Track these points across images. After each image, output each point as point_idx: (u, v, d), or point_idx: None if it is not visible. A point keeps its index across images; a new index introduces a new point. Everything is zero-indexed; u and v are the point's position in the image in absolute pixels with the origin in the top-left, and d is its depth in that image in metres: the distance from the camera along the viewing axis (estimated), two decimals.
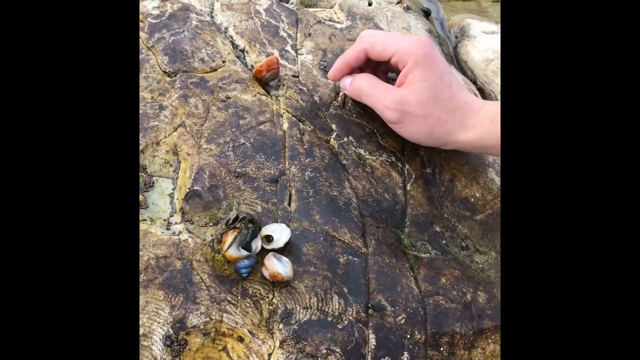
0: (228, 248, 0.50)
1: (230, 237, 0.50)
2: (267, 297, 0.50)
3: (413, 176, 0.62)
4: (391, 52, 0.57)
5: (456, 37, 0.87)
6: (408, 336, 0.52)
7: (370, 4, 0.81)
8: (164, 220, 0.53)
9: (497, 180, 0.66)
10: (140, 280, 0.48)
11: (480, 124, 0.56)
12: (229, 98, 0.62)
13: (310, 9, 0.77)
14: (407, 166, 0.63)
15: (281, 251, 0.52)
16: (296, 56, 0.68)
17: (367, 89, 0.59)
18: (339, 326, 0.50)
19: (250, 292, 0.50)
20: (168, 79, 0.62)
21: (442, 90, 0.56)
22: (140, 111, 0.58)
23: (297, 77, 0.66)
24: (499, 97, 0.78)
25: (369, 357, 0.50)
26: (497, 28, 0.86)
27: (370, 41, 0.59)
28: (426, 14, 0.88)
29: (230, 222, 0.50)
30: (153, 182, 0.55)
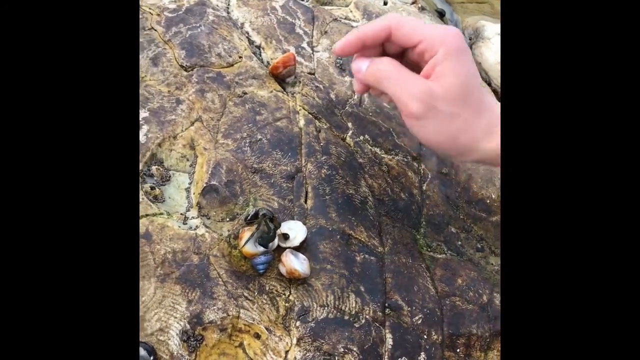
0: (245, 244, 0.49)
1: (247, 233, 0.50)
2: (284, 294, 0.50)
3: (429, 176, 0.62)
4: (419, 37, 0.49)
5: (470, 39, 0.87)
6: (425, 336, 0.51)
7: (385, 3, 0.80)
8: (181, 214, 0.53)
9: None
10: (157, 274, 0.48)
11: None
12: (245, 94, 0.61)
13: (326, 7, 0.76)
14: (423, 166, 0.63)
15: (297, 249, 0.52)
16: (312, 53, 0.68)
17: (391, 73, 0.49)
18: (356, 325, 0.50)
19: (267, 288, 0.50)
20: (185, 73, 0.61)
21: (472, 90, 0.49)
22: (158, 105, 0.57)
23: (314, 74, 0.66)
24: None
25: (386, 356, 0.50)
26: None
27: (398, 20, 0.50)
28: (440, 14, 0.88)
29: (250, 217, 0.50)
30: (170, 176, 0.55)
